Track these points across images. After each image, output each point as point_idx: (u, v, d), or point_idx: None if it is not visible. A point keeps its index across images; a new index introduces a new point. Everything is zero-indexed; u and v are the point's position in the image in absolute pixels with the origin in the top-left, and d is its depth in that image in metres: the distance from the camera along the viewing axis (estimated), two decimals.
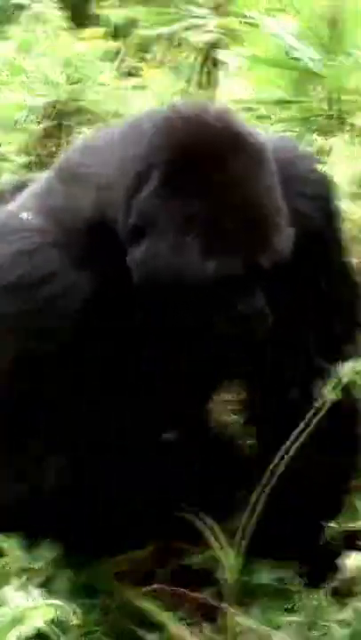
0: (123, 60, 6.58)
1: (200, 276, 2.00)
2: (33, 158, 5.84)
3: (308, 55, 3.75)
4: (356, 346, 2.38)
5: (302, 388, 2.27)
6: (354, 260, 3.19)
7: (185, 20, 5.88)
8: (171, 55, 6.11)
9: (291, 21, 3.97)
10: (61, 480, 2.25)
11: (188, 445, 2.53)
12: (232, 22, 5.50)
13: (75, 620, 2.06)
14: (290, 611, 2.37)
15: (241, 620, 2.34)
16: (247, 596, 2.45)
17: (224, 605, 2.40)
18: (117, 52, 6.48)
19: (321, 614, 2.31)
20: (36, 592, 2.08)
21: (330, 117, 3.96)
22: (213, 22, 5.45)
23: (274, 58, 3.91)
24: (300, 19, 3.77)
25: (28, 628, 1.94)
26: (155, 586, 2.49)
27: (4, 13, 6.73)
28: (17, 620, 1.94)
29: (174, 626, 2.39)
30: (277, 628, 2.34)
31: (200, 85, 5.80)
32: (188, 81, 5.90)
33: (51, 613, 2.00)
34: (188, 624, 2.43)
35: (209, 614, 2.47)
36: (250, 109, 5.16)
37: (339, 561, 2.39)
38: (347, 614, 2.27)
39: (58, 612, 2.02)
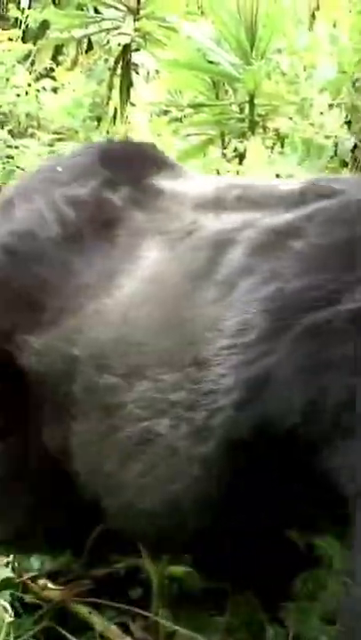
0: (36, 62, 6.57)
1: None
2: None
3: (227, 59, 3.80)
4: None
5: None
6: None
7: (99, 23, 5.89)
8: (85, 57, 6.12)
9: (209, 26, 4.01)
10: None
11: None
12: (149, 25, 5.54)
13: (7, 618, 2.05)
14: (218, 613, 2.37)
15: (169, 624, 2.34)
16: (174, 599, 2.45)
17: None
18: (30, 54, 6.46)
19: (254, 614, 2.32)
20: None
21: (242, 120, 4.01)
22: (130, 25, 5.48)
23: (191, 61, 3.94)
24: (218, 23, 3.82)
25: None
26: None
27: None
28: None
29: (104, 626, 2.39)
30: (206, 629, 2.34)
31: (113, 87, 5.82)
32: (101, 83, 5.92)
33: None
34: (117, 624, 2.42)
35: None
36: (164, 112, 5.22)
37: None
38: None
39: None
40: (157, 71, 6.07)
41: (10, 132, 5.78)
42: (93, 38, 6.53)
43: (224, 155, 3.97)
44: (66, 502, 2.15)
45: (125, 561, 2.49)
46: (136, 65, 6.28)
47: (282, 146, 3.77)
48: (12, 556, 2.46)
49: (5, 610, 2.08)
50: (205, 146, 4.33)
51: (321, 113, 3.60)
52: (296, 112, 3.48)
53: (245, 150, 3.91)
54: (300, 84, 3.46)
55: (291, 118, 3.53)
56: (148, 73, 6.61)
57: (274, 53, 3.79)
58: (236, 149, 3.99)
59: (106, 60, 6.06)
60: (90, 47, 6.69)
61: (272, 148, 4.00)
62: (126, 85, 5.74)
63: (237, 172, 3.69)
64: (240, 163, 3.87)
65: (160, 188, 2.29)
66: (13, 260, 2.23)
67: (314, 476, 1.78)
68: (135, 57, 6.08)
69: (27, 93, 6.05)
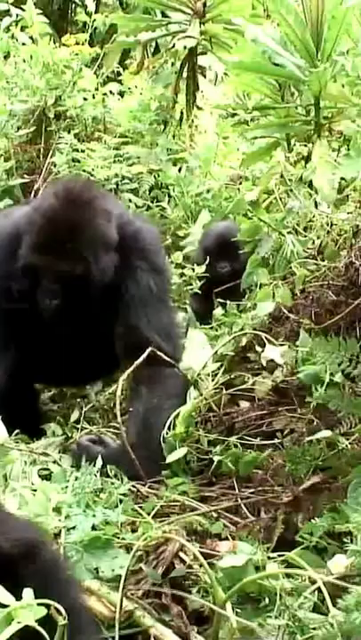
0: (102, 66, 6.60)
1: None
2: (14, 163, 5.86)
3: (292, 61, 3.76)
4: None
5: None
6: (337, 264, 3.24)
7: (166, 26, 5.89)
8: (151, 61, 6.13)
9: (275, 28, 3.98)
10: None
11: None
12: (215, 28, 5.52)
13: (61, 621, 2.05)
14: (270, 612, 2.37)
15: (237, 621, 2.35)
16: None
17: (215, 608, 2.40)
18: (97, 58, 6.50)
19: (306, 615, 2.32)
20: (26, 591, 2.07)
21: (308, 123, 3.97)
22: (196, 28, 5.47)
23: (257, 64, 3.90)
24: (283, 25, 3.78)
25: (18, 626, 1.94)
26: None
27: None
28: (9, 619, 1.95)
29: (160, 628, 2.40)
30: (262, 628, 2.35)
31: (179, 91, 5.82)
32: (168, 86, 5.92)
33: (42, 612, 1.99)
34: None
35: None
36: (231, 115, 5.19)
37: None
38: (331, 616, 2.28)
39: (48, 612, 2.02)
40: (226, 74, 6.07)
41: (76, 135, 5.82)
42: (160, 42, 6.54)
43: (287, 158, 3.93)
44: None
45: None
46: (203, 68, 6.28)
47: (348, 149, 3.73)
48: None
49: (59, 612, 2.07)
50: (271, 149, 4.29)
51: None
52: (358, 114, 3.43)
53: (309, 153, 3.88)
54: None
55: (354, 121, 3.48)
56: (216, 76, 6.61)
57: (340, 55, 3.74)
58: (299, 153, 3.96)
59: (172, 64, 6.05)
60: (157, 50, 6.70)
61: (338, 150, 3.96)
62: (192, 89, 5.73)
63: (301, 176, 3.66)
64: (304, 166, 3.83)
65: None
66: None
67: None
68: (203, 60, 6.08)
69: (93, 97, 6.09)
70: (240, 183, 5.01)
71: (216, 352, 3.41)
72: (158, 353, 3.32)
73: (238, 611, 2.35)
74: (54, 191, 3.62)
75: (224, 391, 3.31)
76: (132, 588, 2.47)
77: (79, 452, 3.17)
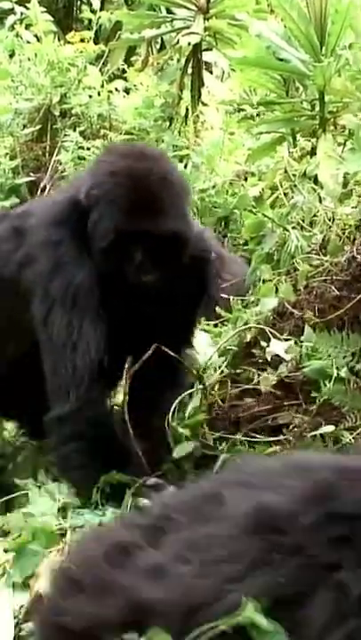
0: (108, 63, 6.60)
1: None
2: (20, 161, 5.86)
3: (297, 56, 3.76)
4: None
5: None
6: (340, 259, 3.22)
7: (170, 23, 5.89)
8: (156, 58, 6.12)
9: (278, 23, 3.98)
10: None
11: None
12: (219, 24, 5.52)
13: None
14: None
15: None
16: None
17: None
18: (102, 55, 6.49)
19: None
20: None
21: (313, 118, 3.97)
22: (200, 24, 5.47)
23: (261, 59, 3.90)
24: (287, 20, 3.78)
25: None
26: None
27: None
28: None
29: None
30: None
31: (184, 87, 5.82)
32: (173, 83, 5.91)
33: None
34: None
35: None
36: (236, 111, 5.19)
37: None
38: None
39: None
40: (233, 69, 6.06)
41: (82, 133, 5.82)
42: (165, 38, 6.54)
43: (291, 153, 3.93)
44: None
45: None
46: (209, 64, 6.28)
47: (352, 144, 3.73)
48: None
49: None
50: (276, 144, 4.29)
51: None
52: (360, 109, 3.43)
53: (313, 148, 3.87)
54: None
55: (356, 115, 3.48)
56: (222, 71, 6.60)
57: (344, 49, 3.73)
58: (303, 148, 3.96)
59: (177, 60, 6.05)
60: (162, 47, 6.70)
61: (343, 145, 3.95)
62: (197, 85, 5.73)
63: (305, 171, 3.65)
64: (309, 161, 3.83)
65: None
66: None
67: None
68: (208, 56, 6.08)
69: (99, 94, 6.09)
70: (246, 179, 5.00)
71: (220, 347, 3.40)
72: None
73: None
74: (118, 154, 3.27)
75: (229, 386, 3.30)
76: None
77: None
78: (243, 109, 4.88)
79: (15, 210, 3.86)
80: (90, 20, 6.66)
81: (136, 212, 3.03)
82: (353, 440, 2.79)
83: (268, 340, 3.24)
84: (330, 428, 2.82)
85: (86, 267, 3.09)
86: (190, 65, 5.74)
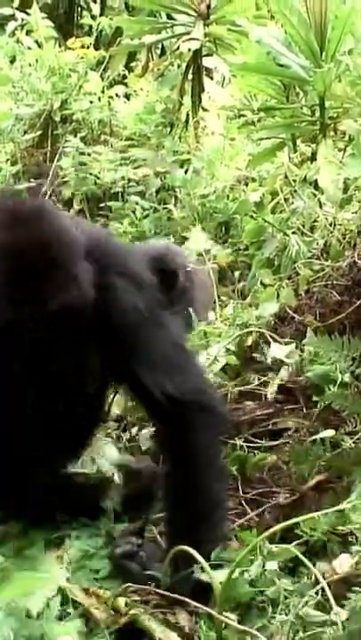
0: (108, 69, 6.61)
1: None
2: (21, 167, 5.87)
3: (297, 62, 3.76)
4: None
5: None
6: (341, 263, 3.24)
7: (171, 29, 5.90)
8: (156, 63, 6.14)
9: (279, 29, 3.98)
10: None
11: None
12: (219, 30, 5.53)
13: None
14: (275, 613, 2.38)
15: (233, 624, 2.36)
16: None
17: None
18: (103, 61, 6.51)
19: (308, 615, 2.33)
20: None
21: (314, 123, 3.98)
22: (200, 30, 5.48)
23: (261, 65, 3.91)
24: (287, 26, 3.78)
25: None
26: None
27: None
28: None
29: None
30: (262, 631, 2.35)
31: (185, 93, 5.83)
32: (173, 88, 5.92)
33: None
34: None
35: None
36: (237, 116, 5.20)
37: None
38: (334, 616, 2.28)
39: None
40: (234, 75, 6.07)
41: (82, 139, 5.84)
42: (165, 44, 6.55)
43: (291, 159, 3.94)
44: None
45: None
46: (209, 69, 6.29)
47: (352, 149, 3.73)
48: None
49: None
50: (277, 149, 4.29)
51: None
52: (360, 114, 3.44)
53: (314, 154, 3.88)
54: None
55: (356, 120, 3.48)
56: (223, 77, 6.62)
57: (344, 55, 3.74)
58: (303, 153, 3.96)
59: (178, 66, 6.06)
60: (163, 53, 6.72)
61: (344, 150, 3.96)
62: (197, 90, 5.73)
63: (305, 177, 3.66)
64: (310, 167, 3.83)
65: None
66: None
67: None
68: (209, 61, 6.08)
69: (99, 100, 6.11)
70: (246, 184, 5.01)
71: (220, 350, 3.40)
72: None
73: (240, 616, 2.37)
74: None
75: (230, 389, 3.31)
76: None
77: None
78: (243, 115, 4.88)
79: None
80: (90, 26, 6.68)
81: (18, 299, 2.52)
82: (353, 445, 2.79)
83: (269, 345, 3.25)
84: (330, 433, 2.82)
85: None
86: (191, 70, 5.75)
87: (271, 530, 2.42)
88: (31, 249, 2.49)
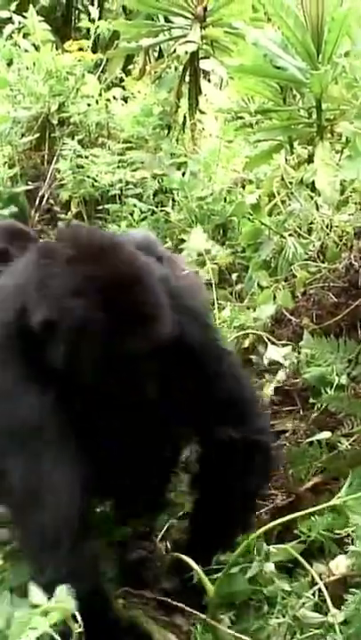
0: (106, 72, 6.61)
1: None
2: (18, 170, 5.87)
3: (294, 64, 3.77)
4: None
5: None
6: (337, 265, 3.24)
7: (168, 32, 5.90)
8: (153, 66, 6.14)
9: (275, 31, 3.98)
10: None
11: None
12: (216, 32, 5.54)
13: (77, 629, 2.04)
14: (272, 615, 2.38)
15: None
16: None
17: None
18: (100, 64, 6.51)
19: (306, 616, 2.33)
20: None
21: (311, 125, 3.98)
22: (197, 32, 5.49)
23: (258, 67, 3.92)
24: (284, 28, 3.78)
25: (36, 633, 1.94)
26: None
27: None
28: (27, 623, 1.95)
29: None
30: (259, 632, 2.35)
31: (182, 95, 5.83)
32: (170, 91, 5.92)
33: (57, 617, 1.98)
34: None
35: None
36: (234, 119, 5.20)
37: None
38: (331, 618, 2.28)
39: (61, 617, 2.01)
40: (231, 78, 6.07)
41: (80, 141, 5.83)
42: (163, 47, 6.55)
43: (287, 161, 3.94)
44: None
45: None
46: (206, 72, 6.29)
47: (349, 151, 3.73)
48: None
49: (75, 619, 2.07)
50: (274, 151, 4.30)
51: None
52: (356, 116, 3.43)
53: (311, 156, 3.88)
54: (360, 87, 3.42)
55: (352, 122, 3.48)
56: (220, 79, 6.62)
57: (341, 57, 3.74)
58: (300, 155, 3.96)
59: (175, 69, 6.06)
60: (160, 55, 6.72)
61: (341, 152, 3.96)
62: (195, 93, 5.74)
63: (302, 179, 3.66)
64: (306, 169, 3.84)
65: None
66: None
67: None
68: (206, 64, 6.08)
69: (97, 103, 6.10)
70: (243, 187, 5.01)
71: None
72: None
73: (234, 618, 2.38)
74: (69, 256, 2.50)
75: None
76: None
77: None
78: (241, 117, 4.88)
79: None
80: (88, 29, 6.66)
81: (123, 332, 2.39)
82: (350, 446, 2.79)
83: (266, 347, 3.25)
84: (327, 435, 2.83)
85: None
86: (188, 73, 5.75)
87: (266, 527, 2.42)
88: (126, 281, 2.39)
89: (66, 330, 2.33)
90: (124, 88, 6.46)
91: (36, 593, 2.04)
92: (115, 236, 2.79)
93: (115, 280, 2.37)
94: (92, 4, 6.98)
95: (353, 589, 2.26)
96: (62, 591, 2.04)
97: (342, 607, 2.26)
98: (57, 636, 2.00)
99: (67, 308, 2.34)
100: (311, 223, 3.54)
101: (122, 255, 2.47)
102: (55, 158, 5.96)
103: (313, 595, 2.34)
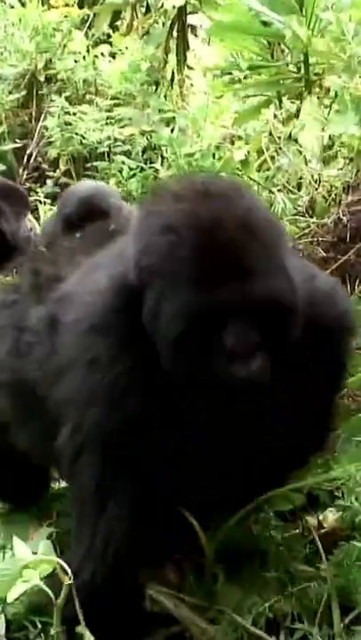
0: (93, 28, 6.56)
1: None
2: (5, 128, 5.84)
3: (278, 19, 3.75)
4: None
5: None
6: (326, 220, 3.24)
7: None
8: (141, 21, 6.10)
9: None
10: None
11: None
12: None
13: (67, 580, 2.06)
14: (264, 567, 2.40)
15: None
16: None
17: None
18: (87, 20, 6.46)
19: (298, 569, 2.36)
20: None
21: (299, 80, 3.97)
22: None
23: (243, 23, 3.90)
24: None
25: (26, 584, 1.96)
26: None
27: None
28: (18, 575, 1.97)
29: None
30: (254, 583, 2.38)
31: (170, 51, 5.80)
32: (158, 46, 5.89)
33: (48, 569, 2.00)
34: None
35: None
36: (224, 74, 5.18)
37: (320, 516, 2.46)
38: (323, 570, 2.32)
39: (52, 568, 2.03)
40: (211, 34, 6.04)
41: (67, 98, 5.80)
42: (150, 2, 6.49)
43: (275, 116, 3.93)
44: None
45: None
46: (195, 27, 6.24)
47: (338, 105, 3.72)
48: None
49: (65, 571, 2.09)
50: (262, 107, 4.28)
51: None
52: (343, 70, 3.42)
53: (299, 111, 3.87)
54: (347, 41, 3.40)
55: (340, 76, 3.47)
56: (208, 35, 6.57)
57: (325, 11, 3.72)
58: (289, 110, 3.96)
59: (163, 24, 6.02)
60: (147, 11, 6.66)
61: (329, 107, 3.95)
62: (183, 48, 5.71)
63: (290, 134, 3.66)
64: (294, 124, 3.83)
65: None
66: None
67: None
68: (194, 19, 6.04)
69: (84, 59, 6.06)
70: (232, 142, 5.00)
71: None
72: None
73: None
74: (171, 197, 2.11)
75: None
76: None
77: None
78: (229, 73, 4.86)
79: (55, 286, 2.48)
80: None
81: (212, 279, 1.95)
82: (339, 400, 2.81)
83: None
84: None
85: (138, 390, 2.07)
86: (175, 28, 5.72)
87: None
88: (231, 222, 1.98)
89: (149, 270, 2.01)
90: (111, 44, 6.42)
91: (21, 547, 2.06)
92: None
93: (214, 221, 1.97)
94: None
95: (342, 542, 2.28)
96: (46, 546, 2.07)
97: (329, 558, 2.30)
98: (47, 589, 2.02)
99: (154, 245, 2.02)
100: (300, 178, 3.54)
101: (237, 200, 2.06)
102: (43, 116, 5.93)
103: (304, 547, 2.37)
